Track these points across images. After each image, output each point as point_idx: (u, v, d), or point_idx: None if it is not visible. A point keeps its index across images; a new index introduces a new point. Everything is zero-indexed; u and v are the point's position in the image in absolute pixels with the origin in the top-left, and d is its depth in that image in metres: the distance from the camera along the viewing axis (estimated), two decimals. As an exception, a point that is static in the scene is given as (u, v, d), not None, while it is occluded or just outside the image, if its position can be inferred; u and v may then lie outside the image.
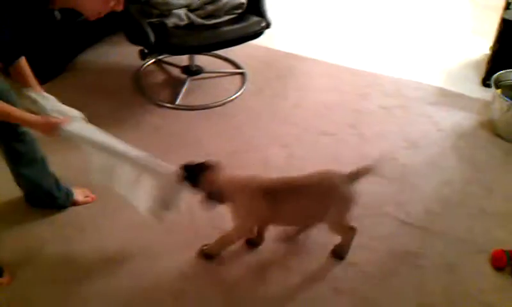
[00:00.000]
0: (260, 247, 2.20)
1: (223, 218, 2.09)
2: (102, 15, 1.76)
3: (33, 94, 1.94)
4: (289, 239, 2.25)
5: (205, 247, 2.17)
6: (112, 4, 1.72)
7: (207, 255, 2.15)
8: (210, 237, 2.14)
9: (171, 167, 1.95)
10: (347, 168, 2.01)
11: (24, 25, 1.65)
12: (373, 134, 2.95)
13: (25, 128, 2.04)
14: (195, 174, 1.96)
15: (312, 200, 1.99)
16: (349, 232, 2.12)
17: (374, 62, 3.74)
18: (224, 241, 2.13)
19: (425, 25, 4.42)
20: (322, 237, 2.20)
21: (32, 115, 1.82)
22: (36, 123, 1.81)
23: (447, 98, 3.34)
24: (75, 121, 1.93)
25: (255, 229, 2.18)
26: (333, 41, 4.07)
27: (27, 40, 1.92)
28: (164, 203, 1.99)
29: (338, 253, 2.16)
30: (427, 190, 2.55)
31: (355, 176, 2.00)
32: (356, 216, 2.20)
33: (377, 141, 2.90)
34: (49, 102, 1.96)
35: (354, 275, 2.10)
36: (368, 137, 2.93)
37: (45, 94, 1.98)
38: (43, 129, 1.83)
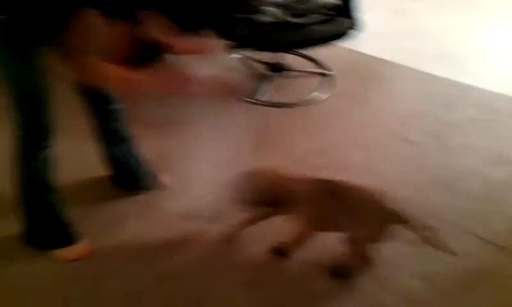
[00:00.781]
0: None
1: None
2: None
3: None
4: None
5: (277, 245, 2.15)
6: None
7: (280, 252, 2.15)
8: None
9: None
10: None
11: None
12: (458, 146, 2.85)
13: (117, 105, 2.14)
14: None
15: (363, 211, 1.92)
16: (363, 258, 2.01)
17: (465, 73, 3.61)
18: (297, 240, 2.09)
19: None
20: (400, 248, 2.17)
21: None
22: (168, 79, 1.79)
23: (539, 113, 3.19)
24: None
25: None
26: (424, 49, 3.98)
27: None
28: None
29: (338, 271, 2.04)
30: (514, 210, 2.45)
31: (397, 219, 1.90)
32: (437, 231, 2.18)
33: (462, 154, 2.80)
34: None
35: (428, 289, 2.04)
36: (452, 148, 2.84)
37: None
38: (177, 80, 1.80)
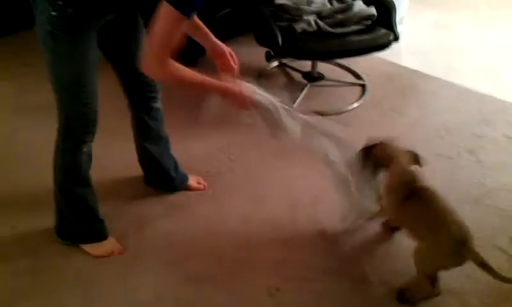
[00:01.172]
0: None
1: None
2: None
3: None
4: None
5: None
6: None
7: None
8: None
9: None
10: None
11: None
12: (493, 163, 2.82)
13: (157, 105, 2.19)
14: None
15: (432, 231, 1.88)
16: (427, 285, 1.95)
17: (503, 89, 3.57)
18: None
19: None
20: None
21: (224, 82, 1.82)
22: (233, 89, 1.82)
23: None
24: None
25: None
26: (462, 63, 3.94)
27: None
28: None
29: (405, 297, 2.01)
30: (546, 229, 2.41)
31: (476, 257, 1.84)
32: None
33: (496, 171, 2.76)
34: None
35: (454, 304, 2.04)
36: (487, 165, 2.80)
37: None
38: (239, 95, 1.83)
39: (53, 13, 1.62)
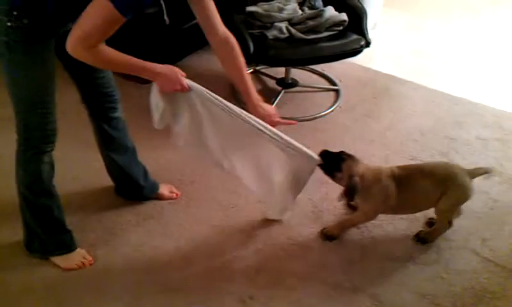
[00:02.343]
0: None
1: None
2: None
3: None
4: None
5: (325, 230, 2.31)
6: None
7: (329, 237, 2.29)
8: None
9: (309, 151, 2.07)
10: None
11: None
12: (466, 165, 2.77)
13: (118, 115, 2.16)
14: (335, 162, 2.09)
15: (434, 184, 2.12)
16: (447, 224, 2.25)
17: (475, 91, 3.60)
18: (346, 224, 2.31)
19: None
20: (398, 265, 2.17)
21: (158, 64, 1.82)
22: (163, 69, 1.82)
23: (550, 135, 3.16)
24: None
25: None
26: (434, 67, 3.98)
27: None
28: (296, 190, 2.15)
29: (424, 238, 2.29)
30: (518, 230, 2.43)
31: (474, 172, 2.18)
32: (436, 248, 2.18)
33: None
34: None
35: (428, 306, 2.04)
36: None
37: None
38: (171, 75, 1.85)
39: (8, 24, 1.60)
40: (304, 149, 2.05)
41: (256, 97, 2.06)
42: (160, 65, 1.82)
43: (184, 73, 1.89)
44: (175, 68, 1.86)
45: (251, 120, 1.98)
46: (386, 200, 2.13)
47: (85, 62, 1.64)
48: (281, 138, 2.01)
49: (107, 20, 1.55)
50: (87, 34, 1.56)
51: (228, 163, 2.13)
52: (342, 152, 2.14)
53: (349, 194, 2.09)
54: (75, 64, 1.67)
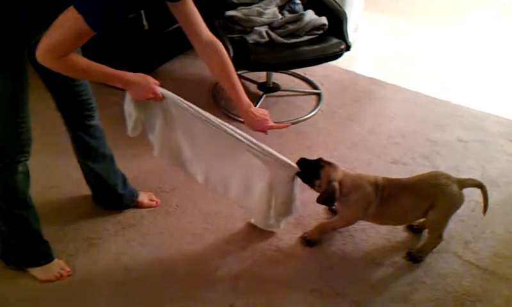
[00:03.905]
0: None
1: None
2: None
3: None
4: None
5: (305, 235, 2.30)
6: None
7: (309, 242, 2.28)
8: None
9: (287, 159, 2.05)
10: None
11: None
12: (448, 167, 2.83)
13: (95, 123, 2.13)
14: (313, 169, 2.08)
15: (416, 199, 2.12)
16: (438, 238, 2.20)
17: (456, 93, 3.62)
18: (326, 228, 2.29)
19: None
20: (382, 271, 2.16)
21: (130, 73, 1.78)
22: (136, 78, 1.79)
23: (530, 136, 3.17)
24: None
25: None
26: (416, 69, 3.99)
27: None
28: (286, 205, 2.15)
29: (416, 257, 2.22)
30: (500, 232, 2.42)
31: (465, 183, 2.15)
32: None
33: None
34: None
35: (409, 311, 2.03)
36: (442, 169, 2.81)
37: None
38: (143, 84, 1.82)
39: None
40: (282, 157, 2.03)
41: (247, 102, 2.02)
42: (133, 74, 1.79)
43: (157, 82, 1.86)
44: (147, 76, 1.83)
45: (228, 129, 1.96)
46: (367, 207, 2.12)
47: (55, 71, 1.61)
48: (259, 147, 1.99)
49: (77, 32, 1.53)
50: (56, 44, 1.54)
51: (202, 176, 2.11)
52: (320, 159, 2.12)
53: (327, 199, 2.08)
54: (49, 73, 1.65)
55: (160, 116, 1.95)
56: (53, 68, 1.60)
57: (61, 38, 1.53)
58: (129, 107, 1.91)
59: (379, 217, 2.18)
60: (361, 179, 2.13)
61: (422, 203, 2.12)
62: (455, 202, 2.12)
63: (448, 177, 2.14)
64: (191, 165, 2.08)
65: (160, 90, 1.86)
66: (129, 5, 1.56)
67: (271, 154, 2.01)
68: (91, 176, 2.31)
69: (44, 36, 1.54)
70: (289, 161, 2.04)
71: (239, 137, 1.96)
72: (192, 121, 1.93)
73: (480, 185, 2.17)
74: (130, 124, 1.94)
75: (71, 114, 2.07)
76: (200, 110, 1.94)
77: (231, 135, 1.96)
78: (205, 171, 2.10)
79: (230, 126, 1.97)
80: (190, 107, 1.92)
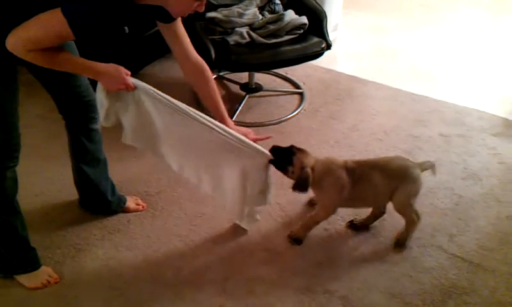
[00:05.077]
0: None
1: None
2: (186, 14, 1.76)
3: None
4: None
5: (291, 233, 2.31)
6: (195, 5, 1.72)
7: (296, 240, 2.29)
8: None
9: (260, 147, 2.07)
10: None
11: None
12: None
13: (97, 126, 2.13)
14: (286, 156, 2.10)
15: (386, 178, 2.16)
16: (413, 217, 2.23)
17: (437, 89, 3.66)
18: (310, 223, 2.29)
19: (493, 54, 4.29)
20: (366, 265, 2.18)
21: (102, 63, 1.78)
22: (107, 69, 1.78)
23: (511, 129, 3.22)
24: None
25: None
26: (395, 66, 4.03)
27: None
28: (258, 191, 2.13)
29: (400, 242, 2.29)
30: (483, 225, 2.46)
31: (422, 165, 2.24)
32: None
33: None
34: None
35: (397, 305, 2.05)
36: (424, 164, 2.86)
37: None
38: (115, 75, 1.80)
39: None
40: (254, 145, 2.05)
41: (230, 121, 2.07)
42: (104, 64, 1.78)
43: (128, 72, 1.86)
44: (119, 67, 1.82)
45: (199, 117, 1.96)
46: (341, 190, 2.14)
47: (24, 59, 1.60)
48: (232, 135, 1.99)
49: (58, 34, 1.54)
50: (34, 39, 1.54)
51: (176, 164, 2.10)
52: (292, 146, 2.15)
53: (302, 185, 2.10)
54: (49, 76, 1.63)
55: (132, 105, 1.94)
56: (23, 57, 1.59)
57: (39, 34, 1.54)
58: (101, 97, 1.90)
59: (354, 199, 2.21)
60: (332, 163, 2.17)
61: (391, 182, 2.17)
62: (419, 183, 2.19)
63: (413, 161, 2.24)
64: (166, 153, 2.07)
65: (132, 80, 1.86)
66: (118, 25, 1.60)
67: (244, 142, 2.01)
68: (82, 180, 2.29)
69: (19, 28, 1.54)
70: (262, 148, 2.06)
71: (211, 125, 1.97)
72: (165, 109, 1.94)
73: (431, 166, 2.30)
74: (102, 113, 1.94)
75: (74, 117, 2.07)
76: (172, 99, 1.95)
77: (203, 123, 1.96)
78: (178, 160, 2.09)
79: (202, 115, 1.97)
80: (162, 96, 1.93)
